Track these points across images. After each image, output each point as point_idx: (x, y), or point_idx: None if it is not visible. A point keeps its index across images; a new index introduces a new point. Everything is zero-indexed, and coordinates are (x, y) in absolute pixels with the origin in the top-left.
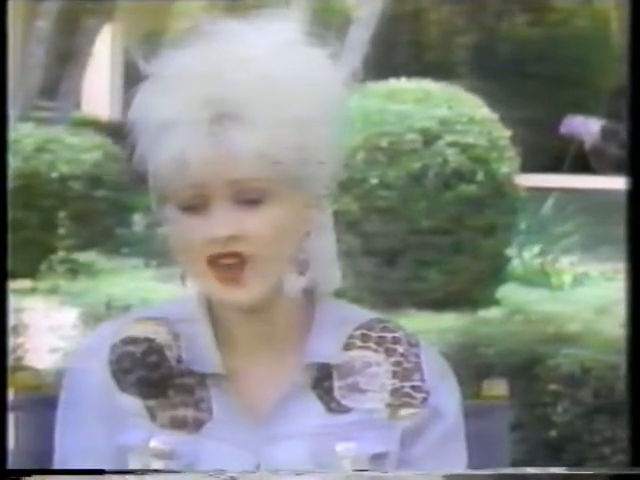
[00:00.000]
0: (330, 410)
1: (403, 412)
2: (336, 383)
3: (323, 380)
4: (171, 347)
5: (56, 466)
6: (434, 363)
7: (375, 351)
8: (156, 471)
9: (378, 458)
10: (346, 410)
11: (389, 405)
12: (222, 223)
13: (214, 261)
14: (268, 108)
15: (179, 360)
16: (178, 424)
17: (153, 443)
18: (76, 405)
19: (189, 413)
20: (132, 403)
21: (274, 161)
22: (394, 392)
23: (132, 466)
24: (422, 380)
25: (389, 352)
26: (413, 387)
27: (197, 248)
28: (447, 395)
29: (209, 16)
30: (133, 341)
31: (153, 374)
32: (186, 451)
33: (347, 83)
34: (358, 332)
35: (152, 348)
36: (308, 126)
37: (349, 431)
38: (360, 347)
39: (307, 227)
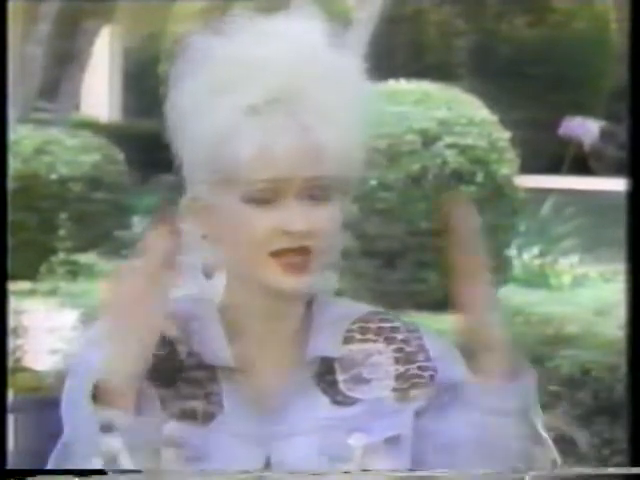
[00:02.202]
0: (336, 403)
1: (413, 393)
2: (340, 377)
3: (326, 374)
4: (181, 341)
5: (60, 446)
6: (437, 343)
7: (375, 342)
8: (157, 472)
9: (390, 443)
10: (353, 402)
11: (395, 390)
12: (299, 218)
13: (281, 253)
14: (345, 106)
15: (190, 353)
16: (188, 416)
17: (165, 430)
18: (84, 387)
19: (199, 406)
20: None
21: (350, 160)
22: (399, 377)
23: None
24: (428, 360)
25: (389, 340)
26: (420, 367)
27: (262, 239)
28: (456, 369)
29: (252, 10)
30: None
31: (164, 365)
32: (196, 442)
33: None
34: (356, 326)
35: (163, 340)
36: (362, 126)
37: (357, 422)
38: (360, 340)
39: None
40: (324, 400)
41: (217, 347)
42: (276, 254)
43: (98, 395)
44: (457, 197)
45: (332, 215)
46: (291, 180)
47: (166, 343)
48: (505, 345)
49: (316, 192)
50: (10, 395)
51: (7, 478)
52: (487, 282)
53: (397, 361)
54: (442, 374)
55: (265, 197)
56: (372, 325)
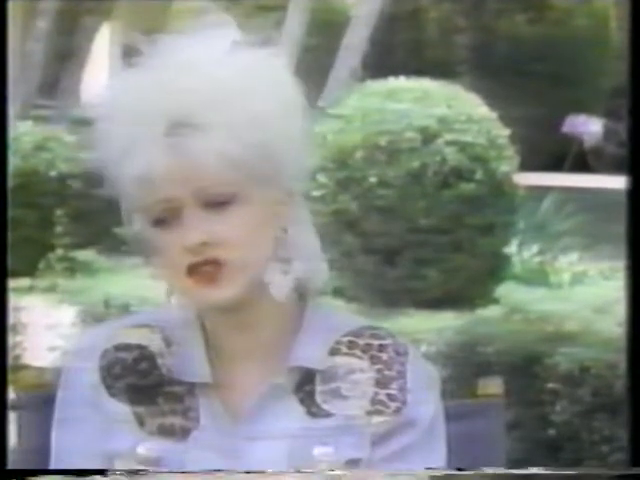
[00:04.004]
0: (310, 414)
1: (375, 419)
2: (318, 387)
3: (306, 384)
4: (163, 355)
5: (53, 464)
6: (420, 373)
7: (360, 358)
8: (157, 472)
9: (352, 464)
10: (326, 415)
11: (369, 412)
12: (193, 230)
13: (192, 269)
14: (220, 110)
15: (170, 368)
16: (166, 432)
17: (140, 450)
18: (67, 406)
19: (177, 421)
20: (120, 409)
21: (236, 161)
22: (373, 400)
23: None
24: (401, 389)
25: (374, 359)
26: (389, 395)
27: (173, 259)
28: (426, 405)
29: (148, 37)
30: (125, 347)
31: (143, 381)
32: (172, 459)
33: (293, 79)
34: (345, 339)
35: (144, 355)
36: (265, 125)
37: (327, 435)
38: (346, 354)
39: (282, 224)
40: (299, 410)
41: (196, 363)
42: (189, 271)
43: None
44: None
45: (237, 222)
46: (177, 197)
47: (147, 357)
48: None
49: (216, 200)
50: (11, 393)
51: (7, 478)
52: None
53: (376, 383)
54: (409, 409)
55: (163, 218)
56: (361, 341)
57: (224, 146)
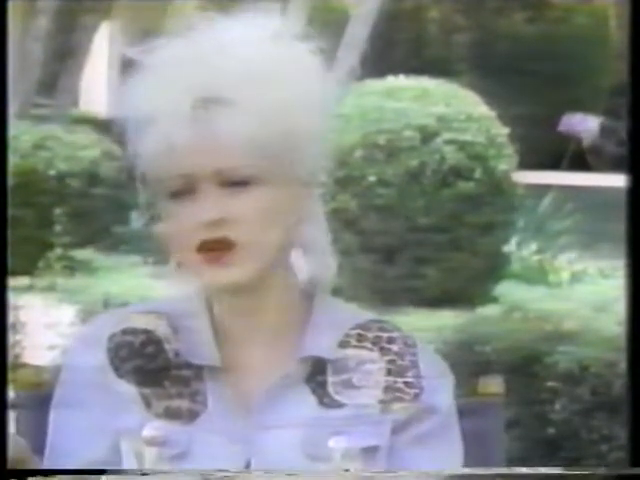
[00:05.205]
0: (323, 404)
1: (395, 406)
2: (330, 378)
3: (317, 374)
4: (169, 340)
5: (48, 448)
6: (431, 362)
7: (370, 350)
8: (156, 472)
9: (369, 452)
10: (339, 405)
11: (382, 401)
12: (208, 207)
13: (203, 246)
14: (253, 93)
15: (177, 353)
16: (173, 414)
17: (147, 429)
18: (70, 387)
19: (184, 404)
20: (128, 389)
21: (259, 144)
22: (387, 389)
23: (124, 452)
24: (417, 377)
25: (384, 351)
26: (406, 383)
27: (185, 234)
28: (443, 393)
29: (203, 13)
30: (132, 332)
31: (150, 364)
32: (179, 440)
33: (338, 77)
34: (354, 332)
35: (150, 339)
36: (294, 112)
37: (341, 425)
38: (355, 346)
39: (297, 214)
40: (312, 399)
41: (205, 347)
42: (200, 248)
43: None
44: None
45: (253, 204)
46: (196, 173)
47: (153, 342)
48: None
49: (234, 180)
50: (10, 392)
51: (7, 478)
52: None
53: (388, 373)
54: (427, 395)
55: (180, 191)
56: (370, 334)
57: (249, 127)
